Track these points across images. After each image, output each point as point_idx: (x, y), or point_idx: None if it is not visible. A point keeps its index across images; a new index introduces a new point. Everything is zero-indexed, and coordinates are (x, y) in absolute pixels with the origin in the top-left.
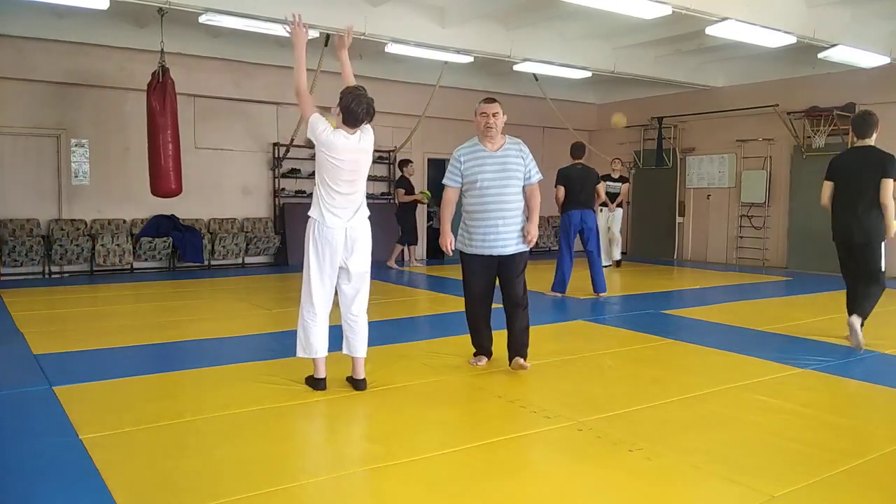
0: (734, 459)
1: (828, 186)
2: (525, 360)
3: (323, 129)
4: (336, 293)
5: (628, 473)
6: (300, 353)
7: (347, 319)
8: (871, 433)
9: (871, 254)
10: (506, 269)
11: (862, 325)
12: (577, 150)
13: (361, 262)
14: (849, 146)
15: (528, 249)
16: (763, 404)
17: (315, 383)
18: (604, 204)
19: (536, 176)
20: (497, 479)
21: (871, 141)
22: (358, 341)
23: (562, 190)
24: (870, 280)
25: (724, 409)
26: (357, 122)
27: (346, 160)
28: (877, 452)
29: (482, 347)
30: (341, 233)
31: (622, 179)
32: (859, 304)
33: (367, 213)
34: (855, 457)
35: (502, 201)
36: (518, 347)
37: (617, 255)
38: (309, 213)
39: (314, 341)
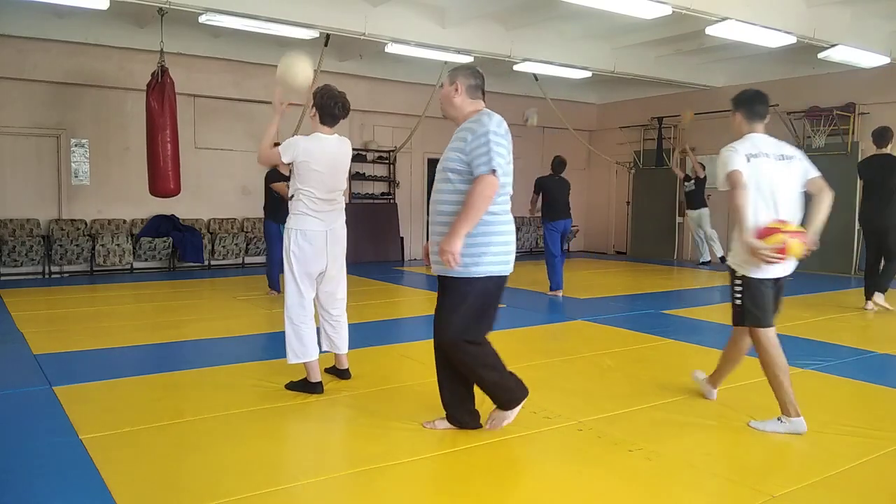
0: (734, 459)
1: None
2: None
3: (298, 143)
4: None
5: (628, 473)
6: (294, 360)
7: (329, 320)
8: (871, 433)
9: (894, 237)
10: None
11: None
12: (559, 166)
13: (340, 263)
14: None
15: (459, 276)
16: (763, 404)
17: (312, 387)
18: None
19: (482, 167)
20: (497, 479)
21: (888, 149)
22: (341, 339)
23: (538, 198)
24: (892, 258)
25: (724, 409)
26: (335, 120)
27: (327, 164)
28: (877, 452)
29: (446, 409)
30: (323, 237)
31: (697, 179)
32: (880, 282)
33: (344, 216)
34: (855, 457)
35: (435, 201)
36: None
37: (719, 252)
38: (288, 225)
39: (309, 343)
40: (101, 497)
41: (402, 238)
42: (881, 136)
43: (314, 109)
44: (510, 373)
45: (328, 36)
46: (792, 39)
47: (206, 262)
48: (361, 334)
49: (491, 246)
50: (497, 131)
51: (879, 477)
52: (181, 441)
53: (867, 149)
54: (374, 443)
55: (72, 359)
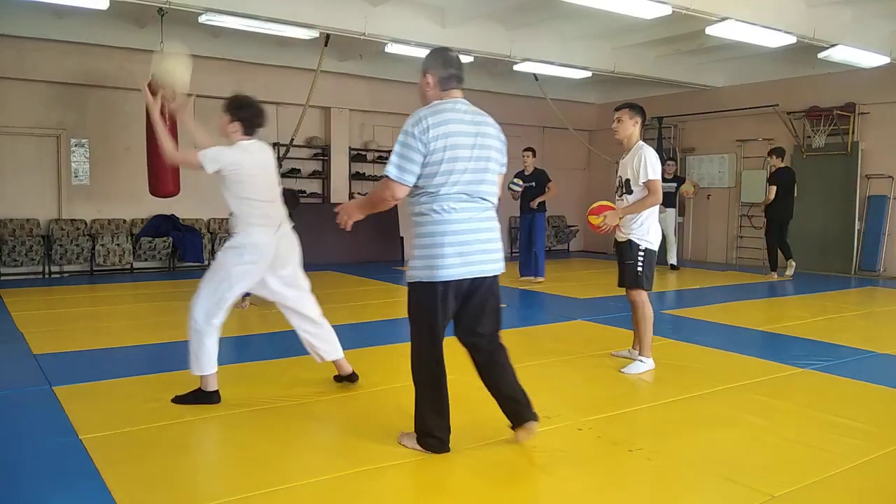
0: (734, 459)
1: (774, 189)
2: None
3: (229, 152)
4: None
5: (628, 473)
6: (198, 371)
7: (311, 328)
8: (872, 433)
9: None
10: None
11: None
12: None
13: (297, 266)
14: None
15: (412, 280)
16: (763, 404)
17: (210, 397)
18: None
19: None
20: (497, 480)
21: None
22: (333, 345)
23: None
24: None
25: (724, 409)
26: (257, 129)
27: (258, 165)
28: (877, 452)
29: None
30: (272, 248)
31: (677, 180)
32: (788, 251)
33: (289, 221)
34: (855, 457)
35: None
36: None
37: (672, 260)
38: (238, 242)
39: (215, 355)
40: (101, 497)
41: (402, 238)
42: (784, 153)
43: (235, 122)
44: (444, 423)
45: (328, 36)
46: (792, 39)
47: (206, 262)
48: (362, 334)
49: (422, 249)
50: (410, 131)
51: (879, 477)
52: (181, 441)
53: (868, 149)
54: (374, 443)
55: (72, 359)
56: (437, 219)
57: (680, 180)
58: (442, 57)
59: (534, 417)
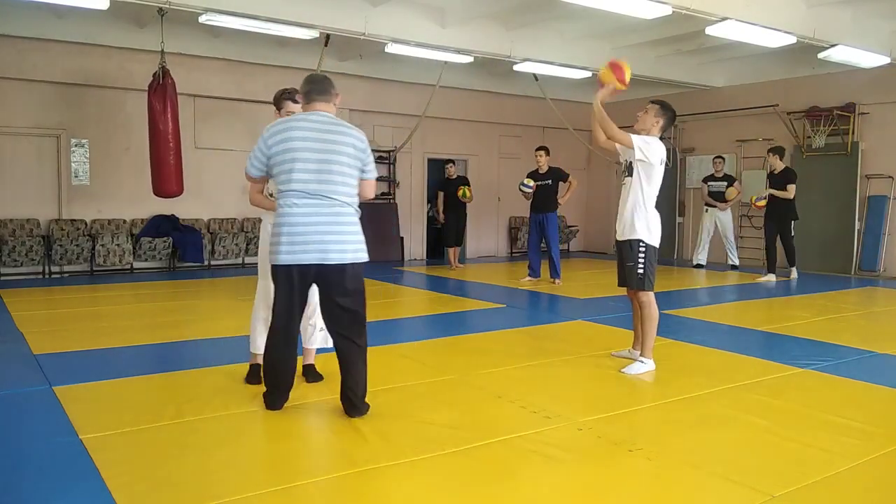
0: (734, 459)
1: (793, 187)
2: None
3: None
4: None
5: (628, 473)
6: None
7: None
8: (871, 433)
9: None
10: None
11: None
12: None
13: None
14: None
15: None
16: (763, 404)
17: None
18: (709, 204)
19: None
20: (497, 480)
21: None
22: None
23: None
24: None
25: (724, 409)
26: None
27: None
28: (877, 452)
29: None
30: None
31: (727, 179)
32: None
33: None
34: (855, 457)
35: None
36: None
37: (734, 261)
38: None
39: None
40: (101, 497)
41: (401, 238)
42: (784, 151)
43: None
44: (263, 367)
45: (328, 36)
46: (792, 39)
47: (206, 262)
48: None
49: (273, 237)
50: (262, 135)
51: (879, 477)
52: (181, 441)
53: (868, 149)
54: (374, 443)
55: (72, 359)
56: (280, 212)
57: (730, 179)
58: (306, 78)
59: (358, 414)
